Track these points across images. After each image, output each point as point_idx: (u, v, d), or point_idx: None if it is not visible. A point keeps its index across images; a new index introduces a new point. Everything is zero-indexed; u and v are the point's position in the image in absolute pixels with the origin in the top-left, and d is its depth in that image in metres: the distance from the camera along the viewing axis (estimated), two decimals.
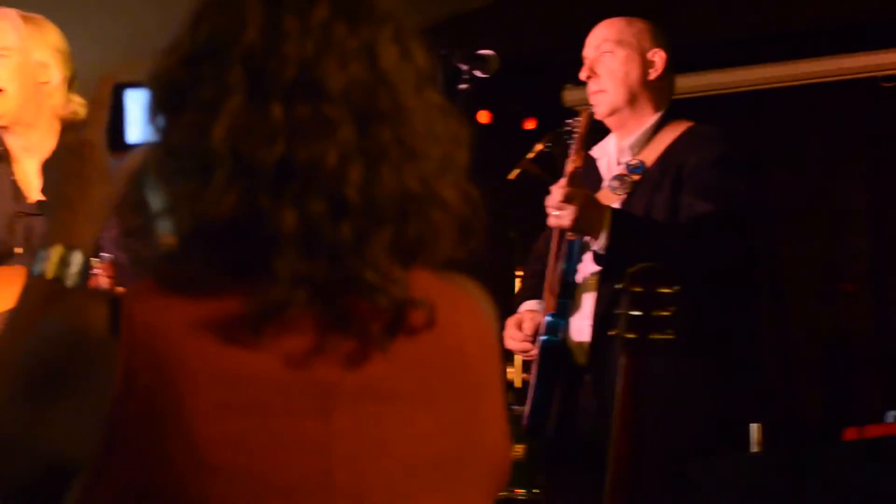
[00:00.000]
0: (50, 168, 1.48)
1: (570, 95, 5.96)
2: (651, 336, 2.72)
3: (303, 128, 1.24)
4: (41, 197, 3.20)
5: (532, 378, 3.38)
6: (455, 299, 1.36)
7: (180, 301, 1.24)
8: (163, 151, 1.29)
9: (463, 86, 3.26)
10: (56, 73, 3.30)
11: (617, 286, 2.83)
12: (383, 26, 1.31)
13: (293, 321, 1.24)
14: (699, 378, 3.23)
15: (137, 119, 1.45)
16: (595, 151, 3.51)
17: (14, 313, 1.39)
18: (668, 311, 2.74)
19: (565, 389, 3.31)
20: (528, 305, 3.52)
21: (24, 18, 3.30)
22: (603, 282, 3.24)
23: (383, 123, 1.27)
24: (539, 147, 4.24)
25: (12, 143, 3.29)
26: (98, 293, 1.31)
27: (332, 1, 1.29)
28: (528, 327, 3.40)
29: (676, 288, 2.74)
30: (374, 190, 1.25)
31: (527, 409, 3.36)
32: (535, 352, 3.36)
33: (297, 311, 1.24)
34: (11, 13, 3.31)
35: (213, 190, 1.23)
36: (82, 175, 1.45)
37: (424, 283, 1.31)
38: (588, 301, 3.31)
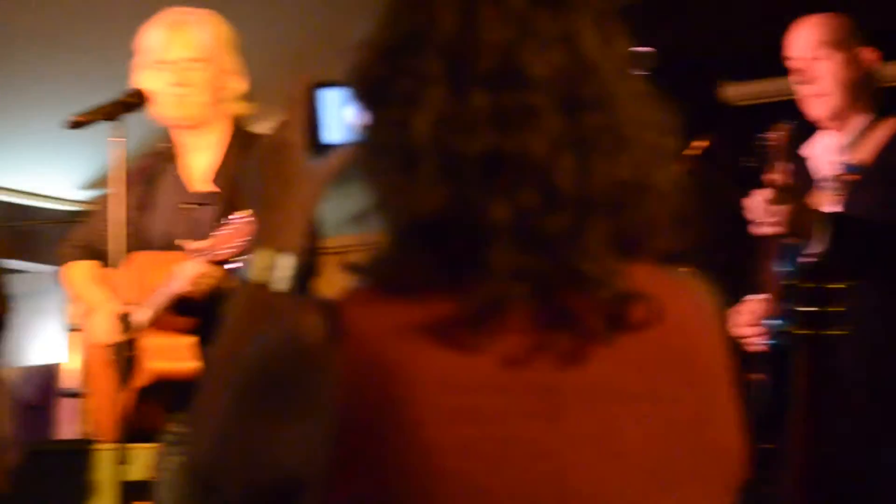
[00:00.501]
0: (250, 170, 1.46)
1: (731, 91, 5.86)
2: (826, 332, 2.69)
3: (508, 117, 1.20)
4: (204, 189, 3.37)
5: (763, 381, 3.34)
6: (679, 293, 1.30)
7: (395, 305, 1.21)
8: (367, 148, 1.28)
9: None
10: (240, 82, 3.45)
11: (794, 283, 2.82)
12: (583, 12, 1.26)
13: (509, 319, 1.20)
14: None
15: (333, 119, 1.43)
16: (804, 152, 3.50)
17: (225, 322, 1.39)
18: (842, 306, 2.70)
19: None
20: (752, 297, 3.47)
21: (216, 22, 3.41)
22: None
23: (590, 111, 1.22)
24: (698, 144, 4.16)
25: (184, 139, 3.47)
26: (313, 301, 1.26)
27: None
28: (757, 315, 3.36)
29: (849, 283, 2.71)
30: (586, 179, 1.21)
31: (760, 411, 3.30)
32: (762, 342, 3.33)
33: (514, 308, 1.20)
34: (211, 19, 3.41)
35: (421, 185, 1.20)
36: (283, 176, 1.43)
37: (645, 277, 1.25)
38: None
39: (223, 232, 3.01)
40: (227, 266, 3.08)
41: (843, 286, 2.70)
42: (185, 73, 3.42)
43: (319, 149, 1.43)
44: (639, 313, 1.22)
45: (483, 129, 1.19)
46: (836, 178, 3.37)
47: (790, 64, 3.46)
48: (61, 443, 6.16)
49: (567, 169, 1.20)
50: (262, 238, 1.40)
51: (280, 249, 1.39)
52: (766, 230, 3.18)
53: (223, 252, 3.01)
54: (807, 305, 2.70)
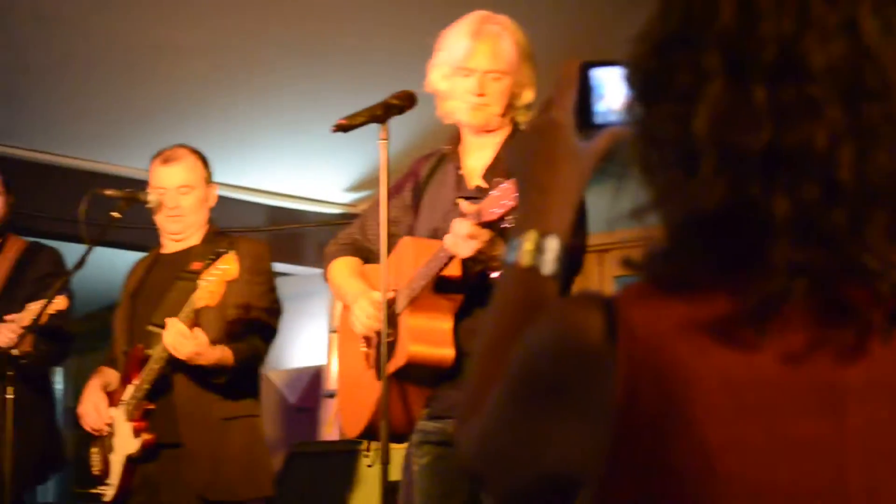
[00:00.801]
0: (517, 151, 1.44)
1: None
2: None
3: (788, 110, 1.18)
4: (482, 184, 3.38)
5: None
6: None
7: (673, 303, 1.20)
8: (643, 143, 1.26)
9: None
10: (531, 93, 3.49)
11: None
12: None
13: (788, 315, 1.18)
14: None
15: (605, 98, 1.39)
16: None
17: (494, 307, 1.38)
18: None
19: None
20: None
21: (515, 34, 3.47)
22: None
23: (872, 101, 1.19)
24: None
25: (468, 140, 3.53)
26: (590, 297, 1.24)
27: None
28: None
29: None
30: (867, 171, 1.18)
31: None
32: None
33: (793, 303, 1.17)
34: (514, 30, 3.47)
35: (700, 181, 1.19)
36: (551, 157, 1.40)
37: None
38: None
39: (493, 194, 2.97)
40: (495, 227, 3.06)
41: None
42: (486, 83, 3.43)
43: (589, 129, 1.40)
44: None
45: (763, 123, 1.18)
46: None
47: None
48: (327, 444, 6.24)
49: (847, 161, 1.17)
50: (528, 219, 1.38)
51: (546, 231, 1.37)
52: None
53: (492, 213, 2.96)
54: None
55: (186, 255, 4.34)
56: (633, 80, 1.28)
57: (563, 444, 1.22)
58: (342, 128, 3.34)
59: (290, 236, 7.70)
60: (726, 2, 1.22)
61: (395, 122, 3.39)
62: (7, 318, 4.33)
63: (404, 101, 3.37)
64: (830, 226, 1.17)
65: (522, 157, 1.42)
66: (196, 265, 4.08)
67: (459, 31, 3.47)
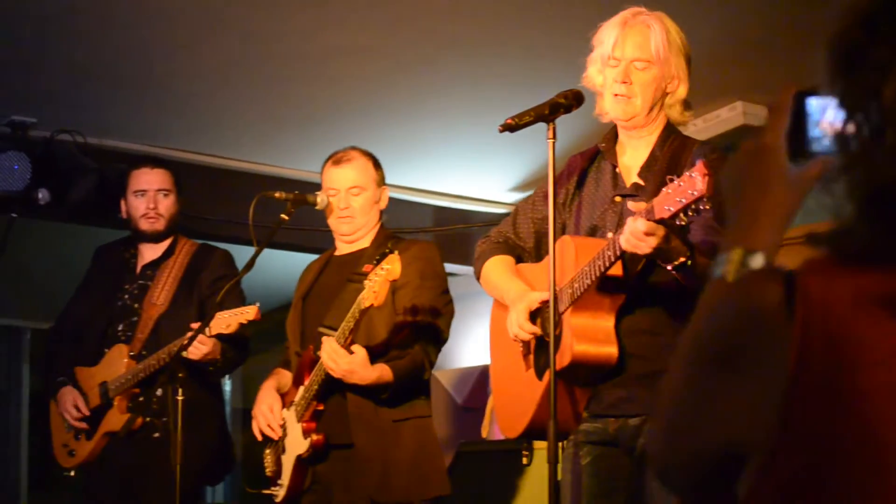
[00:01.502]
0: (729, 173, 1.48)
1: None
2: None
3: None
4: (637, 181, 3.42)
5: None
6: None
7: (852, 275, 1.23)
8: (841, 116, 1.28)
9: None
10: (683, 88, 3.46)
11: None
12: None
13: None
14: None
15: (817, 127, 1.40)
16: None
17: (697, 317, 1.39)
18: None
19: None
20: None
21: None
22: None
23: None
24: None
25: (623, 137, 3.53)
26: (772, 270, 1.29)
27: None
28: None
29: None
30: None
31: None
32: None
33: None
34: (664, 21, 3.47)
35: (886, 153, 1.21)
36: (763, 180, 1.42)
37: None
38: None
39: (665, 191, 2.94)
40: (667, 224, 3.03)
41: None
42: (631, 72, 3.40)
43: (804, 156, 1.40)
44: None
45: None
46: None
47: None
48: (492, 443, 6.21)
49: None
50: (736, 237, 1.38)
51: (753, 249, 1.36)
52: None
53: (666, 210, 2.93)
54: None
55: (358, 256, 4.37)
56: (836, 52, 1.30)
57: (740, 408, 1.26)
58: (509, 127, 3.33)
59: (456, 237, 7.70)
60: None
61: (562, 120, 3.36)
62: (193, 325, 4.41)
63: (571, 100, 3.35)
64: None
65: (735, 179, 1.43)
66: (367, 267, 4.10)
67: (611, 23, 3.47)
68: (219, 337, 4.40)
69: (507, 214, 3.94)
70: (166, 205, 5.02)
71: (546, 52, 5.50)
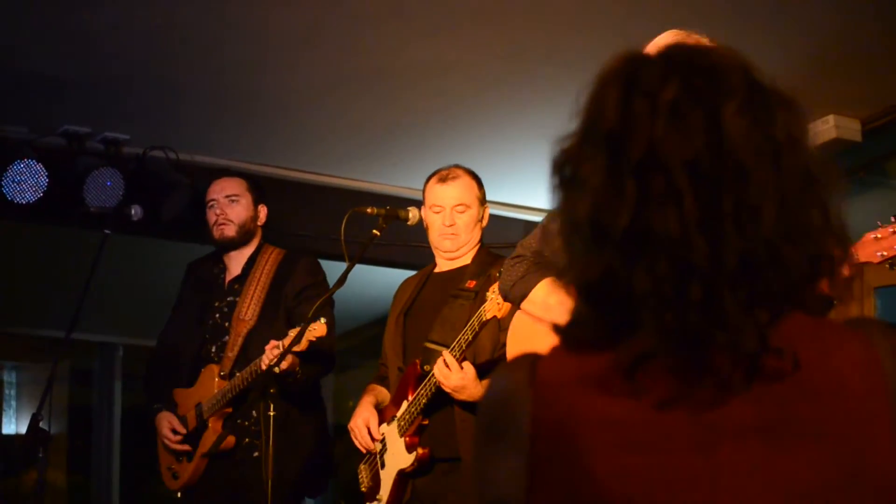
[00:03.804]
0: None
1: None
2: None
3: (651, 199, 1.38)
4: None
5: None
6: (832, 342, 1.44)
7: (572, 360, 1.45)
8: (561, 222, 1.48)
9: None
10: None
11: None
12: (731, 99, 1.41)
13: (658, 370, 1.39)
14: None
15: None
16: None
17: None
18: None
19: None
20: None
21: None
22: None
23: (727, 192, 1.37)
24: None
25: None
26: (522, 357, 1.50)
27: (682, 80, 1.42)
28: None
29: None
30: (721, 253, 1.37)
31: None
32: None
33: (662, 360, 1.39)
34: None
35: (582, 256, 1.43)
36: None
37: (793, 329, 1.41)
38: None
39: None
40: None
41: None
42: None
43: None
44: (778, 363, 1.38)
45: (629, 209, 1.38)
46: None
47: None
48: None
49: (701, 244, 1.36)
50: None
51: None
52: None
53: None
54: None
55: (459, 273, 4.39)
56: (557, 168, 1.48)
57: (505, 475, 1.44)
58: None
59: None
60: (610, 105, 1.43)
61: None
62: (272, 343, 4.41)
63: None
64: (687, 300, 1.37)
65: None
66: (471, 283, 4.13)
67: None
68: (293, 352, 4.38)
69: None
70: (236, 210, 5.05)
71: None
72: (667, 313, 1.37)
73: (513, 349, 3.62)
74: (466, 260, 4.45)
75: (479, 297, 4.01)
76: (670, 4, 4.99)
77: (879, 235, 3.00)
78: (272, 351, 4.40)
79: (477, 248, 4.49)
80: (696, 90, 1.42)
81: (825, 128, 6.39)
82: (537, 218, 7.67)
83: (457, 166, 4.54)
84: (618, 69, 1.48)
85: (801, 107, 1.50)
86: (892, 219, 2.97)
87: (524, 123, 6.27)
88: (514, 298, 3.48)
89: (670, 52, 1.48)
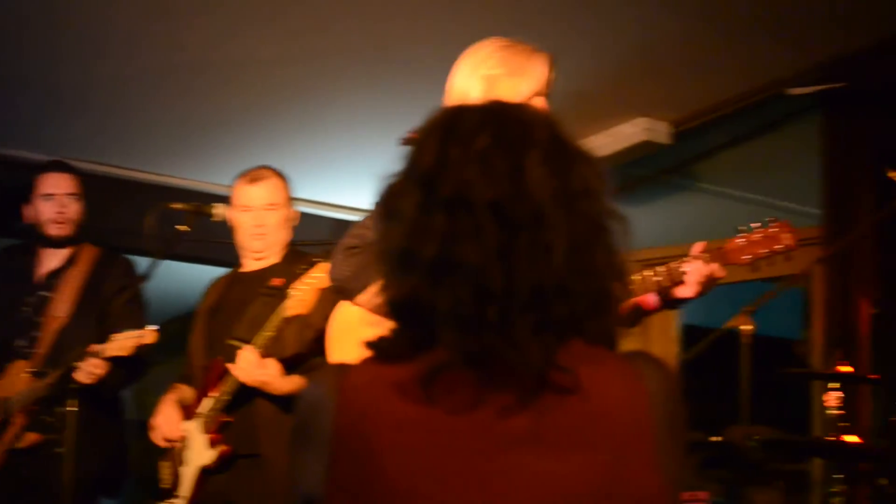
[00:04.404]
0: None
1: None
2: None
3: (456, 233, 1.58)
4: None
5: None
6: (605, 368, 1.62)
7: (378, 370, 1.62)
8: (379, 249, 1.67)
9: None
10: None
11: None
12: (534, 150, 1.62)
13: (453, 381, 1.57)
14: None
15: None
16: None
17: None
18: None
19: None
20: None
21: None
22: None
23: (522, 229, 1.58)
24: None
25: None
26: (334, 366, 1.69)
27: (494, 132, 1.63)
28: None
29: None
30: (515, 283, 1.57)
31: None
32: None
33: (457, 373, 1.57)
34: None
35: (393, 279, 1.63)
36: None
37: (575, 354, 1.60)
38: None
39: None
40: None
41: None
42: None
43: None
44: (561, 382, 1.57)
45: (437, 239, 1.58)
46: None
47: None
48: None
49: (496, 275, 1.56)
50: None
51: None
52: None
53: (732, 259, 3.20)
54: None
55: (267, 273, 4.41)
56: (380, 200, 1.68)
57: (310, 472, 1.61)
58: (411, 141, 3.29)
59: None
60: (429, 152, 1.63)
61: None
62: (91, 348, 4.37)
63: None
64: (483, 322, 1.56)
65: None
66: (277, 281, 4.16)
67: (539, 57, 3.30)
68: (112, 358, 4.36)
69: None
70: (75, 209, 4.99)
71: (446, 67, 5.53)
72: (464, 332, 1.56)
73: (336, 340, 3.68)
74: (274, 259, 4.49)
75: (284, 295, 4.05)
76: (485, 6, 5.09)
77: (745, 240, 3.20)
78: (93, 368, 4.38)
79: (286, 248, 4.53)
80: (505, 141, 1.63)
81: (634, 130, 6.49)
82: (346, 216, 7.72)
83: (265, 167, 4.56)
84: (441, 119, 1.70)
85: (598, 162, 1.69)
86: (760, 224, 3.16)
87: (336, 121, 6.31)
88: (354, 290, 3.45)
89: (487, 106, 1.71)
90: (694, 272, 3.19)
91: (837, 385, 4.81)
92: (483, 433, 1.56)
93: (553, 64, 3.29)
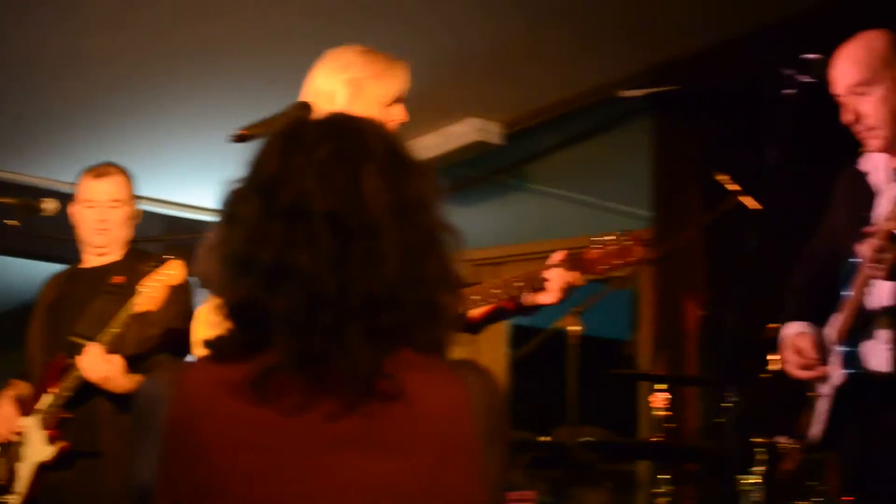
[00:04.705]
0: None
1: None
2: None
3: (293, 240, 1.63)
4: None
5: (829, 401, 3.60)
6: (431, 376, 1.68)
7: (214, 368, 1.66)
8: (220, 251, 1.70)
9: (789, 91, 3.51)
10: None
11: None
12: (370, 163, 1.68)
13: (287, 382, 1.62)
14: None
15: None
16: (864, 166, 3.65)
17: None
18: None
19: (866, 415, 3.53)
20: (796, 328, 3.72)
21: None
22: None
23: (357, 238, 1.63)
24: None
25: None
26: (174, 363, 1.82)
27: (334, 144, 1.69)
28: (809, 350, 3.63)
29: None
30: (345, 291, 1.62)
31: (820, 427, 3.61)
32: (827, 373, 3.59)
33: (288, 375, 1.62)
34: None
35: (230, 281, 1.67)
36: None
37: (403, 362, 1.66)
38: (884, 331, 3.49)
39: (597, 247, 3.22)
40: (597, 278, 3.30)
41: None
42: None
43: None
44: (386, 388, 1.63)
45: (275, 246, 1.62)
46: None
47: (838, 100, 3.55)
48: None
49: (330, 282, 1.61)
50: None
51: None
52: (870, 272, 3.39)
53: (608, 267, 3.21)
54: None
55: (108, 270, 4.43)
56: (222, 204, 1.71)
57: (145, 464, 1.64)
58: (242, 138, 3.29)
59: (186, 246, 7.61)
60: (270, 157, 1.69)
61: None
62: None
63: (304, 112, 3.34)
64: (315, 327, 1.61)
65: None
66: (117, 279, 4.21)
67: (400, 63, 3.46)
68: None
69: None
70: None
71: (280, 64, 5.52)
72: (296, 336, 1.61)
73: (202, 335, 3.67)
74: (115, 256, 4.50)
75: (129, 292, 4.07)
76: (320, 5, 5.10)
77: (601, 250, 3.23)
78: None
79: (126, 244, 4.54)
80: (344, 153, 1.69)
81: (466, 130, 6.54)
82: (180, 213, 7.64)
83: (111, 163, 4.57)
84: (285, 130, 1.75)
85: (434, 175, 1.76)
86: (614, 235, 3.20)
87: (168, 117, 6.26)
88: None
89: (329, 118, 1.78)
90: (556, 279, 3.24)
91: (664, 386, 4.92)
92: (311, 434, 1.61)
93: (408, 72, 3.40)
